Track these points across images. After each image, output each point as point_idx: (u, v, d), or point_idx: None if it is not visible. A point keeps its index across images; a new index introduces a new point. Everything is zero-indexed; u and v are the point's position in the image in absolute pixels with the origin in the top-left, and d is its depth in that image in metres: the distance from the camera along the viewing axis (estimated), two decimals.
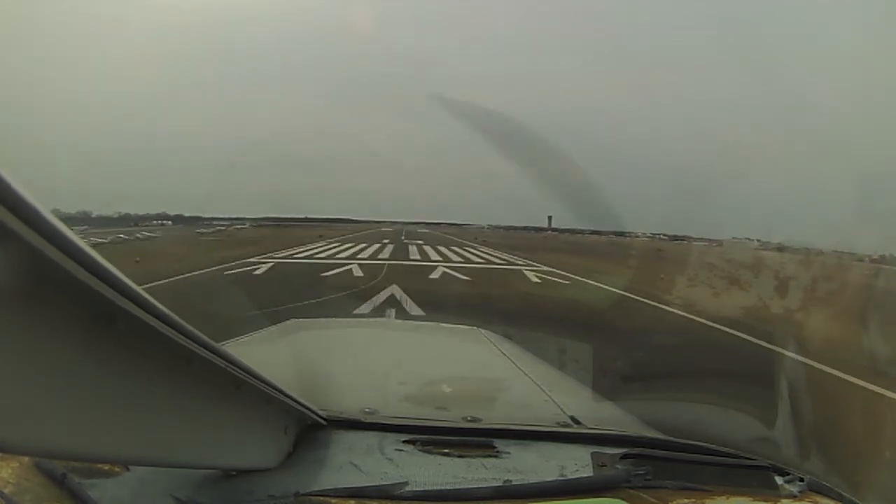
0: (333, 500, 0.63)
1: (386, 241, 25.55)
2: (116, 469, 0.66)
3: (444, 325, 2.11)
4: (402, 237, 31.63)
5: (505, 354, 1.48)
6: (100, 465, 0.66)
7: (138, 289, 0.40)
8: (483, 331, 1.84)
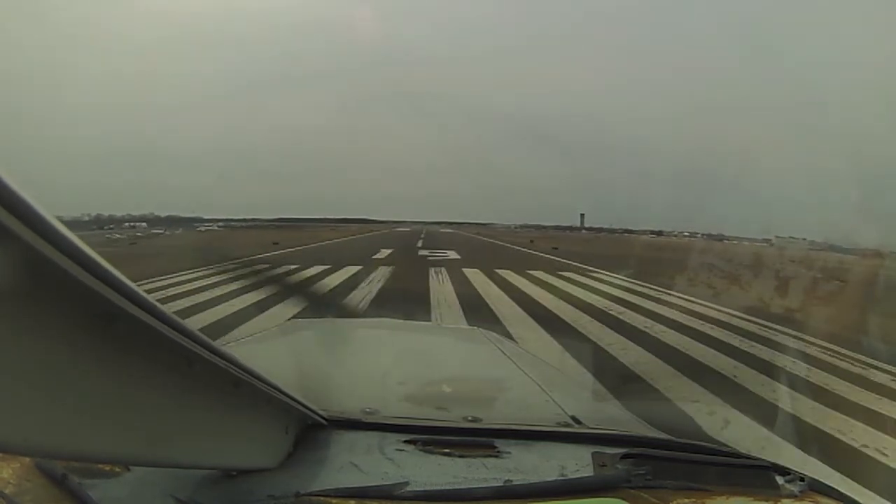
0: (334, 500, 0.63)
1: (382, 253, 14.70)
2: (116, 469, 0.66)
3: (444, 325, 2.11)
4: (419, 244, 21.53)
5: (505, 354, 1.48)
6: (100, 465, 0.66)
7: (138, 289, 0.40)
8: (483, 331, 1.84)
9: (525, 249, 20.84)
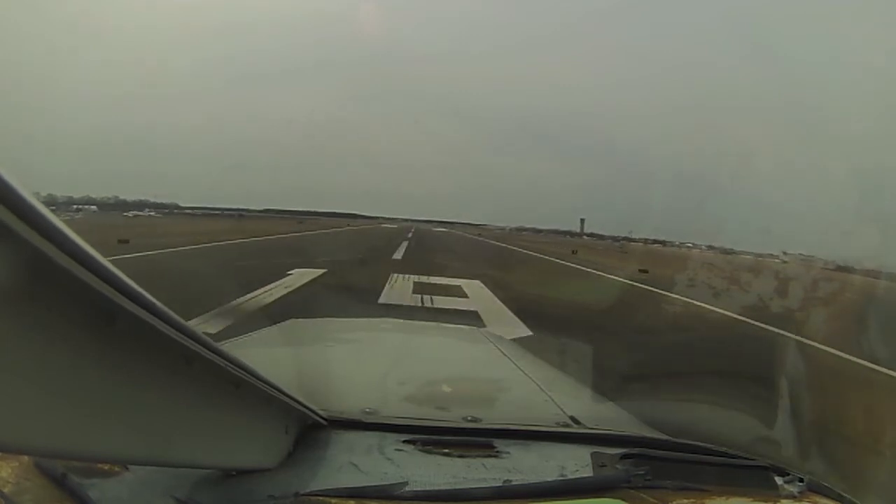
0: (333, 500, 0.63)
1: (283, 285, 6.57)
2: (116, 469, 0.66)
3: (444, 325, 2.11)
4: (397, 254, 13.44)
5: (505, 354, 1.48)
6: (100, 465, 0.66)
7: (138, 288, 0.40)
8: (483, 331, 1.84)
9: (582, 268, 12.50)
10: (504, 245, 24.63)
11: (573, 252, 21.34)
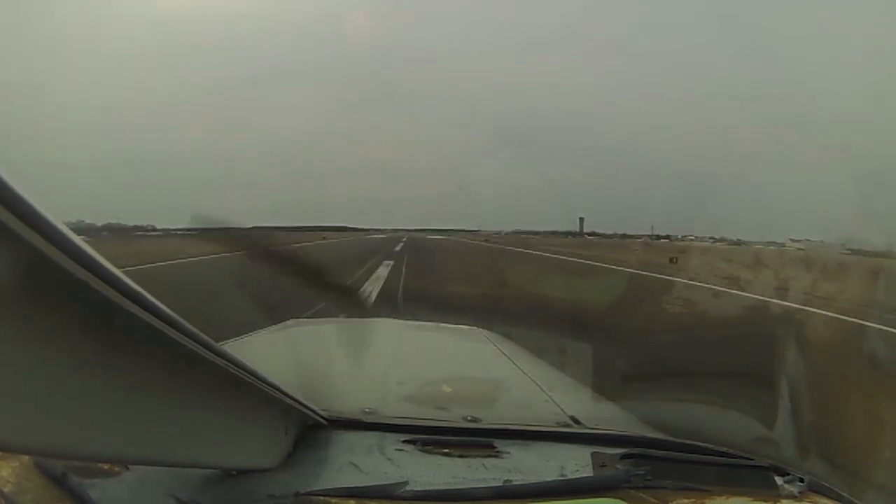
0: (334, 500, 0.63)
1: None
2: (116, 469, 0.66)
3: (444, 325, 2.11)
4: (370, 289, 6.82)
5: (505, 354, 1.48)
6: (100, 465, 0.66)
7: (138, 288, 0.40)
8: (483, 331, 1.84)
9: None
10: (557, 256, 16.68)
11: (672, 261, 13.49)
